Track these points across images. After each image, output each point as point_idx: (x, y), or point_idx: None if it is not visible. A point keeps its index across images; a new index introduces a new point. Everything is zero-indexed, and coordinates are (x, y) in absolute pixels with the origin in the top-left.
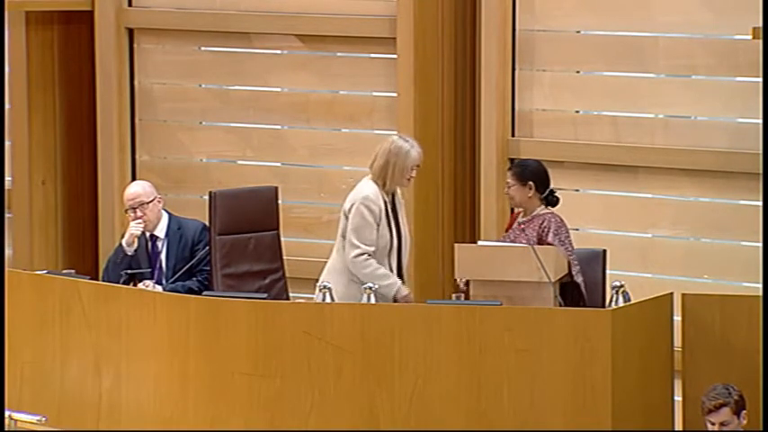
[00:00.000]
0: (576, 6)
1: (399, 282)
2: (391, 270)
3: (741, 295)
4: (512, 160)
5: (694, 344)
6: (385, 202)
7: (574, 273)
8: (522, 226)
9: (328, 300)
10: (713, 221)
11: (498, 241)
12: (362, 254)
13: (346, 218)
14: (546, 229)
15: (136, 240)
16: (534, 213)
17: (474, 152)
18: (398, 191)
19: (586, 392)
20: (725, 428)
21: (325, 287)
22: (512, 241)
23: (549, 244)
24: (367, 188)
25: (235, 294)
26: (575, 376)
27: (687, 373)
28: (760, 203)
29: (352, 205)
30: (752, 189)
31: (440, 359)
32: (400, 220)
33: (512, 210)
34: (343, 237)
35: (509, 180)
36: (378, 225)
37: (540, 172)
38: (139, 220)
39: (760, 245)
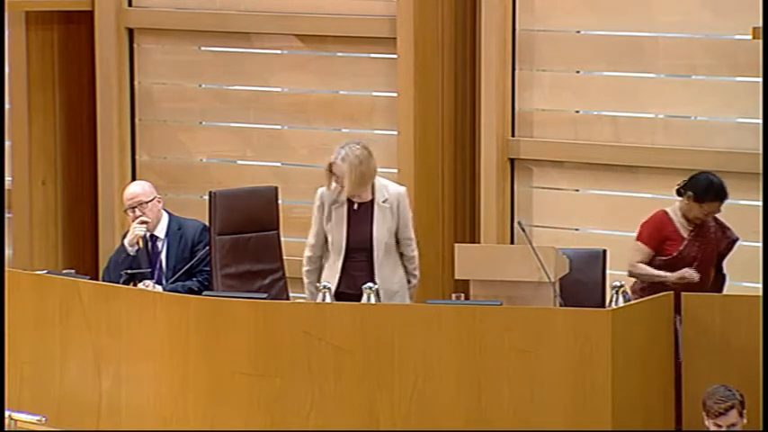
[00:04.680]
0: (577, 6)
1: None
2: None
3: (741, 295)
4: (512, 160)
5: (694, 344)
6: None
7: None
8: (713, 234)
9: (328, 300)
10: None
11: (681, 255)
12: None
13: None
14: (715, 229)
15: (141, 241)
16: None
17: (474, 152)
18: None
19: (586, 392)
20: (732, 430)
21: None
22: (711, 246)
23: (730, 238)
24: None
25: (235, 294)
26: (575, 376)
27: (687, 373)
28: (760, 203)
29: (397, 198)
30: (752, 189)
31: (440, 359)
32: None
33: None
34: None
35: (720, 208)
36: None
37: None
38: (142, 219)
39: (760, 245)
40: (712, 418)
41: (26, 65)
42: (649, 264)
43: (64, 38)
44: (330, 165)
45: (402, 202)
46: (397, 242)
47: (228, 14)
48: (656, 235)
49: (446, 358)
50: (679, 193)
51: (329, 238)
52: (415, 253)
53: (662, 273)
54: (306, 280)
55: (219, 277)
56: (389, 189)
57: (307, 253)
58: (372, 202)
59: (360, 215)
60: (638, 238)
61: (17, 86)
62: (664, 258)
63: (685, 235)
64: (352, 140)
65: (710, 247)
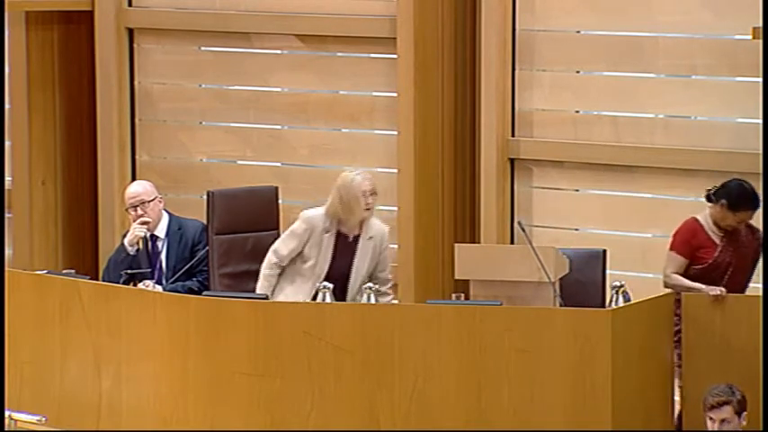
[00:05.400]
0: (577, 6)
1: None
2: None
3: (741, 295)
4: (512, 160)
5: (694, 344)
6: None
7: None
8: (744, 238)
9: (328, 300)
10: None
11: (715, 262)
12: None
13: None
14: (746, 233)
15: (140, 241)
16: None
17: (474, 152)
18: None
19: (586, 392)
20: (725, 427)
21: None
22: (744, 250)
23: (760, 240)
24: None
25: (235, 294)
26: (575, 376)
27: (687, 373)
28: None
29: (382, 236)
30: None
31: (440, 359)
32: None
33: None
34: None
35: (752, 215)
36: None
37: None
38: (143, 219)
39: None
40: (706, 411)
41: (26, 65)
42: (684, 273)
43: (64, 38)
44: (371, 191)
45: (385, 240)
46: (370, 279)
47: (228, 14)
48: (689, 243)
49: (446, 358)
50: (709, 199)
51: (309, 263)
52: (390, 295)
53: (696, 285)
54: (264, 282)
55: (217, 277)
56: (375, 227)
57: (273, 259)
58: (359, 236)
59: (347, 247)
60: (672, 248)
61: (17, 86)
62: (699, 267)
63: (717, 241)
64: (344, 173)
65: (743, 251)
